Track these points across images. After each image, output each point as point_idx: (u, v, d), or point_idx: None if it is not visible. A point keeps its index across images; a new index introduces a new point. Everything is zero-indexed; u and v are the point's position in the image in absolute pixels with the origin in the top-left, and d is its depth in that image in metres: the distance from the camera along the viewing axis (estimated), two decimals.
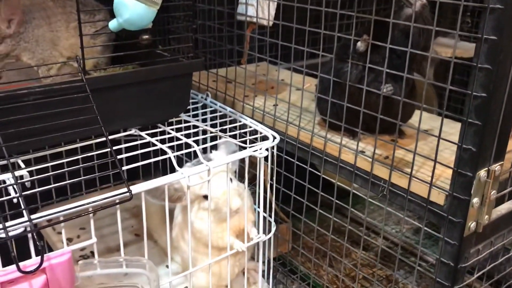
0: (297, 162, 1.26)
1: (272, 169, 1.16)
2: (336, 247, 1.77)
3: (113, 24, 0.96)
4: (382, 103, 1.01)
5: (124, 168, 0.90)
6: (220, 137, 1.09)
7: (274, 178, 1.19)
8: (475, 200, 0.90)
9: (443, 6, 0.87)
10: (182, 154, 1.03)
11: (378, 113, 1.02)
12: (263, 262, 1.22)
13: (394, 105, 0.99)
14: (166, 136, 1.08)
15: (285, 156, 1.28)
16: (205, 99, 1.35)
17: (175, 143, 1.06)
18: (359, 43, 1.03)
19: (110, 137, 1.04)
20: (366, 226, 1.19)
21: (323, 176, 1.21)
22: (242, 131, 1.18)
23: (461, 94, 0.86)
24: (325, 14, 1.07)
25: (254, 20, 1.28)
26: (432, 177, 0.96)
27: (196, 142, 1.06)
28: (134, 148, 1.05)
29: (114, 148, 0.98)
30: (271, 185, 1.21)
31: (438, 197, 0.95)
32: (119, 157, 0.93)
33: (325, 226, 1.29)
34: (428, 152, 1.12)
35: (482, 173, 0.89)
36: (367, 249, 1.82)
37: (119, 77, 1.00)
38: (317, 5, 1.09)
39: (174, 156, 0.96)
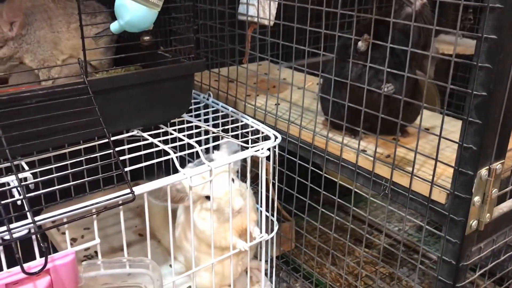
0: (299, 161, 1.26)
1: (274, 169, 1.17)
2: (339, 245, 1.77)
3: (114, 26, 0.96)
4: (385, 103, 1.01)
5: (127, 169, 0.91)
6: (222, 137, 1.09)
7: (276, 177, 1.20)
8: (476, 199, 0.90)
9: (444, 3, 0.88)
10: (184, 155, 1.04)
11: (380, 112, 1.02)
12: (266, 261, 1.22)
13: (397, 104, 0.99)
14: (169, 137, 1.09)
15: (287, 155, 1.29)
16: (207, 99, 1.36)
17: (177, 143, 1.06)
18: (360, 43, 1.03)
19: (113, 138, 1.05)
20: (368, 224, 1.20)
21: (325, 175, 1.21)
22: (244, 131, 1.19)
23: (463, 91, 0.87)
24: (325, 13, 1.08)
25: (255, 20, 1.28)
26: (433, 176, 0.96)
27: (198, 142, 1.06)
28: (137, 148, 1.05)
29: (117, 149, 0.99)
30: (274, 184, 1.22)
31: (440, 196, 0.96)
32: (122, 158, 0.94)
33: (328, 224, 1.29)
34: (430, 151, 1.12)
35: (483, 171, 0.89)
36: (370, 247, 1.83)
37: (121, 78, 1.01)
38: (318, 4, 1.10)
39: (176, 157, 0.97)
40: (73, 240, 1.38)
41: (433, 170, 0.96)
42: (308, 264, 1.69)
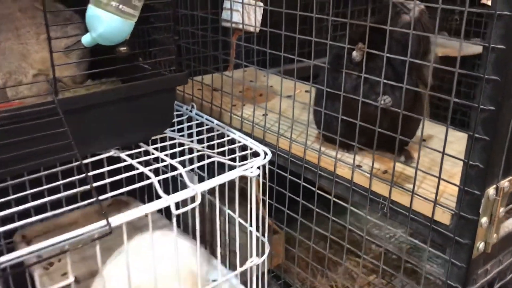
0: (290, 177, 1.18)
1: (264, 185, 1.09)
2: (333, 254, 1.70)
3: (86, 39, 0.87)
4: (382, 116, 0.94)
5: (103, 197, 0.82)
6: (209, 156, 1.01)
7: (267, 194, 1.12)
8: (484, 220, 0.84)
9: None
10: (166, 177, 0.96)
11: (376, 126, 0.95)
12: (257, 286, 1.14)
13: (395, 117, 0.92)
14: (150, 157, 1.00)
15: (277, 170, 1.21)
16: (190, 111, 1.28)
17: (160, 164, 0.98)
18: (354, 53, 0.96)
19: (89, 160, 0.97)
20: (360, 233, 1.12)
21: (318, 192, 1.13)
22: (231, 146, 1.11)
23: (469, 105, 0.80)
24: (316, 19, 1.01)
25: (240, 26, 1.21)
26: (436, 195, 0.89)
27: (182, 162, 0.98)
28: (118, 170, 0.97)
29: (94, 172, 0.91)
30: (264, 202, 1.14)
31: (443, 216, 0.89)
32: (98, 184, 0.86)
33: (321, 233, 1.21)
34: (428, 164, 1.06)
35: (491, 191, 0.83)
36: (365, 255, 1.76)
37: (95, 96, 0.92)
38: (305, 7, 1.03)
39: (158, 180, 0.88)
40: (50, 265, 1.29)
41: (436, 189, 0.89)
42: (300, 277, 1.62)
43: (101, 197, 0.81)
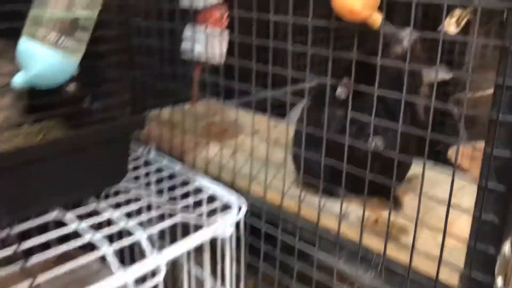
0: (265, 227, 1.04)
1: (239, 241, 0.94)
2: None
3: (18, 80, 0.71)
4: (373, 160, 0.82)
5: (41, 280, 0.65)
6: (171, 214, 0.85)
7: (242, 253, 0.97)
8: (499, 281, 0.72)
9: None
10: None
11: (366, 170, 0.82)
12: None
13: (387, 160, 0.80)
14: (101, 219, 0.83)
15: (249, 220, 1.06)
16: (148, 152, 1.12)
17: (113, 230, 0.80)
18: (339, 90, 0.84)
19: (25, 226, 0.80)
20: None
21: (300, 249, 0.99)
22: (198, 198, 0.95)
23: None
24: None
25: (203, 59, 1.07)
26: (441, 253, 0.77)
27: (141, 223, 0.82)
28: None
29: (36, 243, 0.74)
30: (238, 260, 0.99)
31: (450, 277, 0.77)
32: (41, 258, 0.69)
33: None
34: (421, 210, 0.95)
35: (507, 248, 0.72)
36: None
37: (32, 150, 0.75)
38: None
39: (111, 252, 0.72)
40: None
41: (441, 246, 0.77)
42: None
43: (40, 280, 0.64)
